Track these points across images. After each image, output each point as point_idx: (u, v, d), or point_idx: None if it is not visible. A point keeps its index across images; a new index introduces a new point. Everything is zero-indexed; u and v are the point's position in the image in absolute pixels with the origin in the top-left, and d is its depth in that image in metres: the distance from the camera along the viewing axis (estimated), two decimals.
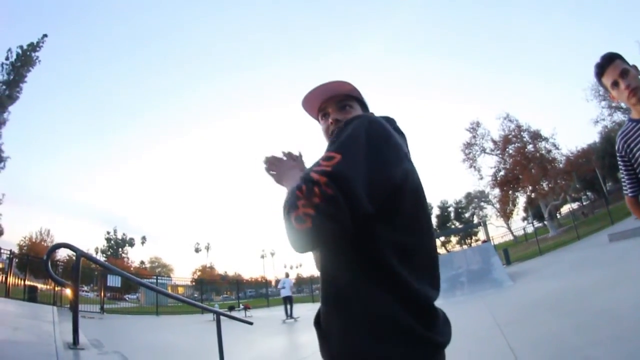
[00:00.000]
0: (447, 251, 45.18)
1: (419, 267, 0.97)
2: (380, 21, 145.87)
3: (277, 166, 1.36)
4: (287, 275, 17.57)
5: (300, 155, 1.41)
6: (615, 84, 1.95)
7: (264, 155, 1.40)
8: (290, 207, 0.86)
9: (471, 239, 61.53)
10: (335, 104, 1.27)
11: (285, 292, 16.23)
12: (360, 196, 0.84)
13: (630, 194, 2.17)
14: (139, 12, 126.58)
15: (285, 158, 1.39)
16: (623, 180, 2.19)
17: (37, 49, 35.54)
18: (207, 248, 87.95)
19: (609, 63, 1.95)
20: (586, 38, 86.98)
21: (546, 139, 36.04)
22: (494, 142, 38.52)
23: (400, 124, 1.22)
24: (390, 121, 1.19)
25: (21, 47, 34.71)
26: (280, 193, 1.22)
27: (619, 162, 2.16)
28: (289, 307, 15.71)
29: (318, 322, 1.06)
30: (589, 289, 7.32)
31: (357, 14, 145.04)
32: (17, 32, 74.07)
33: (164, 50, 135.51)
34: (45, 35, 36.21)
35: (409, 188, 0.99)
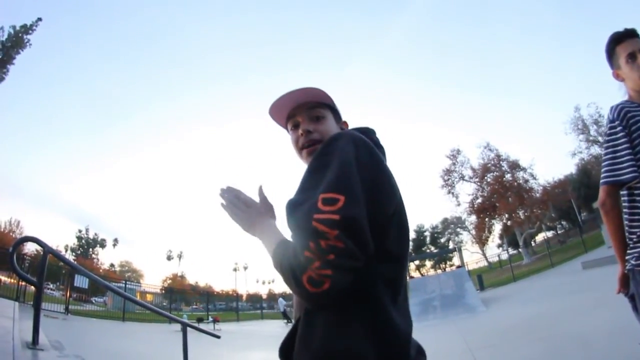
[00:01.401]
0: (421, 275, 45.31)
1: (401, 299, 0.92)
2: (367, 44, 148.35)
3: (243, 211, 1.14)
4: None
5: (265, 197, 1.20)
6: (632, 57, 1.70)
7: (221, 189, 1.19)
8: (299, 269, 0.78)
9: (446, 263, 61.98)
10: (306, 112, 1.15)
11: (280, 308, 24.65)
12: (369, 240, 0.80)
13: (629, 175, 1.59)
14: (128, 13, 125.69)
15: (249, 199, 1.18)
16: (619, 156, 1.63)
17: (30, 31, 34.57)
18: (180, 256, 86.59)
19: (634, 35, 1.74)
20: (567, 73, 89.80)
21: (524, 169, 37.05)
22: (473, 170, 39.33)
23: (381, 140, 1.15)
24: (370, 133, 1.12)
25: (14, 27, 33.82)
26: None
27: (617, 134, 1.66)
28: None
29: (285, 353, 0.96)
30: (561, 315, 7.40)
31: (345, 37, 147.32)
32: (12, 12, 71.98)
33: (155, 53, 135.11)
34: (39, 19, 35.10)
35: (397, 217, 0.93)
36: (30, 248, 30.51)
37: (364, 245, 0.78)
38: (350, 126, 1.24)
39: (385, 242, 0.88)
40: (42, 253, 4.38)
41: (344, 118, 1.27)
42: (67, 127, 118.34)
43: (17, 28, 33.84)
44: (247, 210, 1.14)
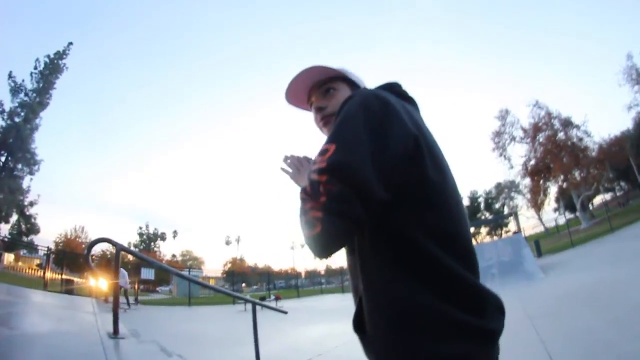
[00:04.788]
0: (477, 242, 44.34)
1: (458, 252, 0.88)
2: (403, 6, 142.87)
3: (299, 168, 1.28)
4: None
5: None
6: None
7: (285, 155, 1.34)
8: (301, 213, 0.84)
9: (501, 230, 60.27)
10: (318, 91, 1.19)
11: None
12: (369, 182, 0.78)
13: None
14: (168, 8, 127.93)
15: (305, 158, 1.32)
16: None
17: (64, 56, 37.22)
18: (238, 240, 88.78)
19: None
20: (616, 18, 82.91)
21: (577, 127, 34.74)
22: (524, 130, 37.47)
23: (426, 109, 1.13)
24: (393, 86, 1.10)
25: (48, 56, 36.43)
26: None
27: None
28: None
29: (358, 326, 0.96)
30: (623, 283, 7.19)
31: (375, 7, 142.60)
32: (38, 41, 76.26)
33: (195, 45, 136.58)
34: (70, 43, 38.09)
35: (426, 159, 0.88)
36: (96, 249, 32.53)
37: (361, 190, 0.78)
38: None
39: (416, 190, 0.87)
40: (114, 251, 4.74)
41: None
42: (113, 129, 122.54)
43: (52, 56, 36.24)
44: (301, 164, 1.28)
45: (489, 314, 0.86)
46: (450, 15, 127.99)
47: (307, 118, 1.28)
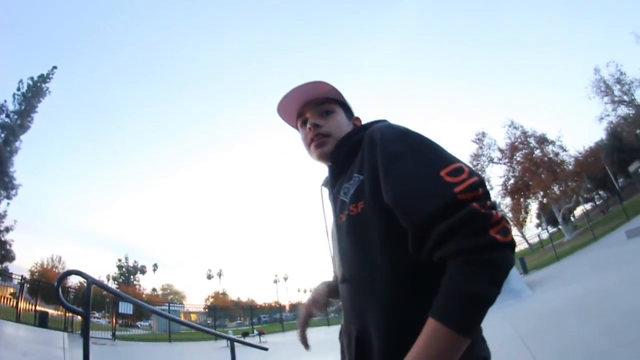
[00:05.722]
0: None
1: None
2: (376, 38, 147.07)
3: None
4: None
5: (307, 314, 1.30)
6: None
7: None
8: (485, 225, 0.71)
9: None
10: (314, 108, 1.13)
11: None
12: None
13: None
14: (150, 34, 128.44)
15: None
16: None
17: (47, 80, 36.86)
18: (220, 274, 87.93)
19: None
20: (581, 36, 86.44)
21: (553, 142, 35.68)
22: (501, 150, 38.22)
23: None
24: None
25: (32, 78, 36.00)
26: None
27: None
28: None
29: None
30: (611, 290, 7.11)
31: (351, 32, 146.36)
32: (27, 63, 75.64)
33: (177, 76, 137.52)
34: (54, 67, 37.86)
35: None
36: (73, 281, 31.68)
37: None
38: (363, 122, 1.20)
39: None
40: (85, 285, 4.48)
41: (357, 115, 1.24)
42: (96, 160, 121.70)
43: (35, 78, 35.86)
44: None
45: (479, 344, 0.88)
46: (419, 44, 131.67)
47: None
